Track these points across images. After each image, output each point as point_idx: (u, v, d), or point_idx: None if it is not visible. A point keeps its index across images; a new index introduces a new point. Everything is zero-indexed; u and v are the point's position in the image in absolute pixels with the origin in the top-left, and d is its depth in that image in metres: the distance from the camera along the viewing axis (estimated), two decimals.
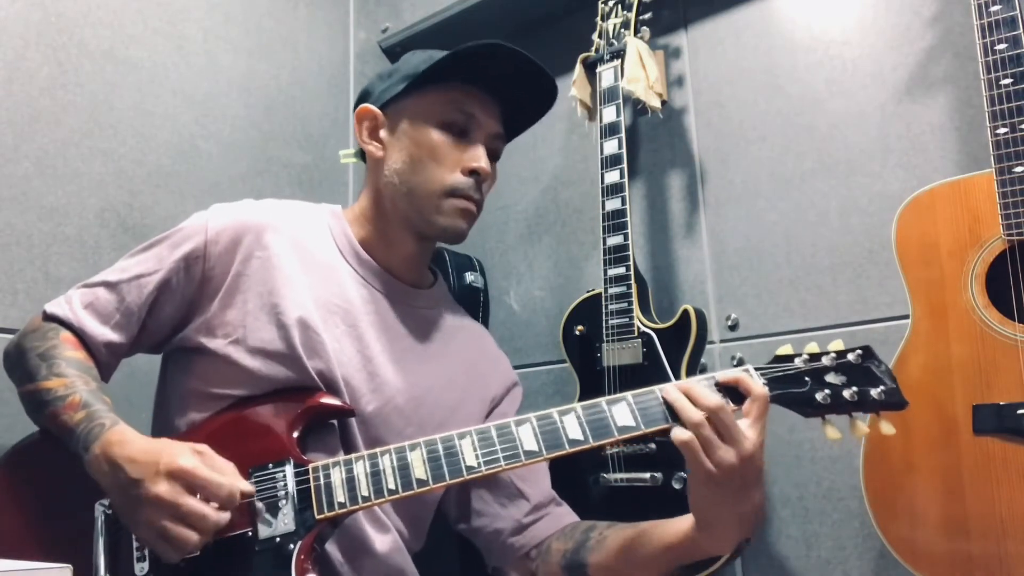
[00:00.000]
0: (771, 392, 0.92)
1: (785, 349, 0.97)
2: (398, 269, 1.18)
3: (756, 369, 0.95)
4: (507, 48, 1.10)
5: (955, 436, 1.12)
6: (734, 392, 0.92)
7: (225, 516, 0.87)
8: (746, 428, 0.88)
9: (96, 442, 0.90)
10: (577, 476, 1.42)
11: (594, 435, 0.92)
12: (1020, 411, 1.07)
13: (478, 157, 1.12)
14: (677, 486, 1.32)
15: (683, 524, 0.97)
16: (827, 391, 0.92)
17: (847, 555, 1.36)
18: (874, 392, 0.91)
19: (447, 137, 1.12)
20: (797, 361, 0.95)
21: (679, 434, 0.88)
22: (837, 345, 0.95)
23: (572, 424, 0.93)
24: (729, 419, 0.87)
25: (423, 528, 1.17)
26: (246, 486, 0.91)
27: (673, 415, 0.91)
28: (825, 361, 0.94)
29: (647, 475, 1.35)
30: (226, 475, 0.89)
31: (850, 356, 0.93)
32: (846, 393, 0.92)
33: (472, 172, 1.12)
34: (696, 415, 0.88)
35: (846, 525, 1.37)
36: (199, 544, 0.86)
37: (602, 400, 0.94)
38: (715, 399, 0.88)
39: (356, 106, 1.19)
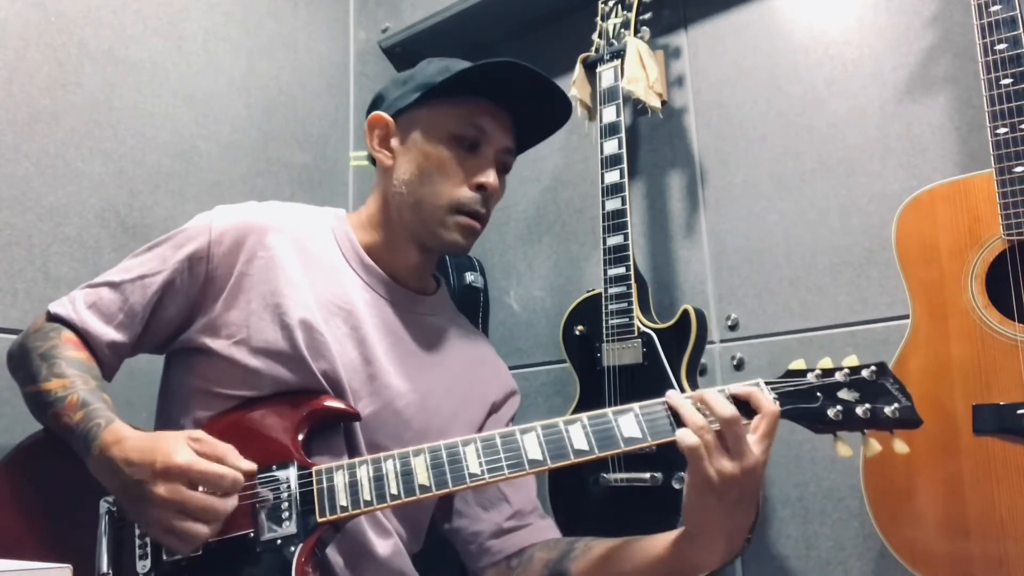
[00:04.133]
0: (782, 407, 0.91)
1: (798, 364, 0.96)
2: (402, 275, 1.18)
3: (767, 383, 0.94)
4: (524, 67, 1.09)
5: (955, 436, 1.12)
6: (745, 406, 0.91)
7: (232, 502, 0.87)
8: (752, 443, 0.87)
9: (95, 442, 0.90)
10: (577, 476, 1.42)
11: (600, 446, 0.91)
12: (1020, 411, 1.07)
13: (487, 173, 1.12)
14: (677, 486, 1.32)
15: (670, 535, 0.96)
16: (839, 407, 0.91)
17: (847, 555, 1.36)
18: (888, 410, 0.90)
19: (457, 151, 1.11)
20: (809, 376, 0.94)
21: (685, 438, 0.87)
22: (851, 361, 0.94)
23: (578, 434, 0.92)
24: (741, 431, 0.87)
25: (422, 531, 1.17)
26: (248, 464, 0.90)
27: (679, 421, 0.91)
28: (838, 377, 0.93)
29: (647, 475, 1.35)
30: (226, 460, 0.89)
31: (864, 372, 0.92)
32: (859, 410, 0.90)
33: (480, 187, 1.12)
34: (700, 419, 0.88)
35: (846, 525, 1.37)
36: (210, 535, 0.86)
37: (609, 411, 0.94)
38: (731, 409, 0.87)
39: (369, 111, 1.19)
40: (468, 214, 1.12)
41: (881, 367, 0.93)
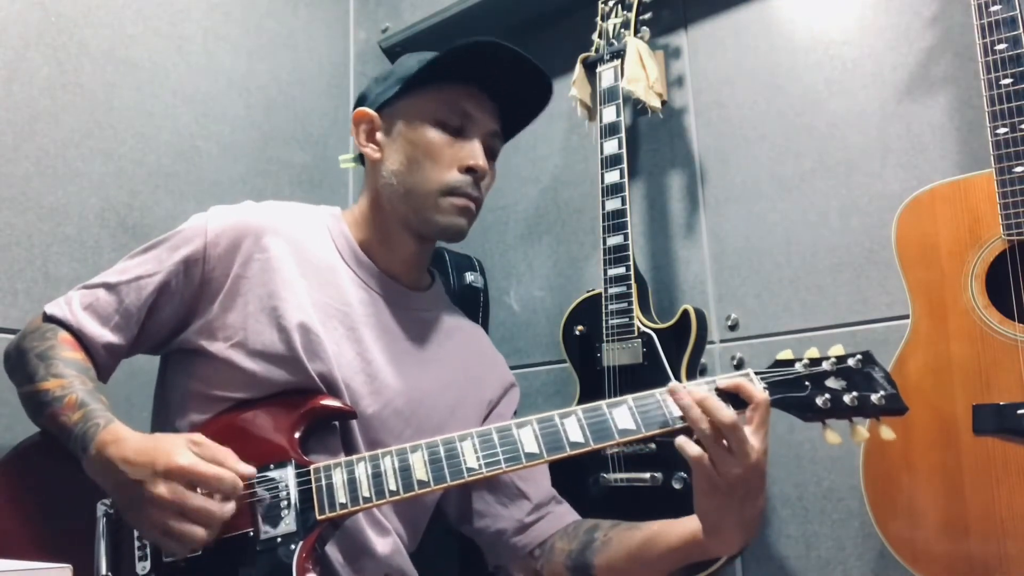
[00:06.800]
0: (771, 396, 0.92)
1: (785, 354, 0.97)
2: (397, 271, 1.18)
3: (756, 373, 0.95)
4: (499, 45, 1.09)
5: (955, 436, 1.12)
6: (735, 398, 0.92)
7: (230, 507, 0.87)
8: (750, 436, 0.88)
9: (92, 442, 0.90)
10: (577, 476, 1.42)
11: (595, 438, 0.93)
12: (1020, 411, 1.07)
13: (475, 154, 1.12)
14: (677, 486, 1.32)
15: (689, 527, 0.98)
16: (827, 396, 0.92)
17: (847, 555, 1.36)
18: (874, 397, 0.91)
19: (443, 136, 1.12)
20: (797, 366, 0.95)
21: (689, 448, 0.88)
22: (837, 350, 0.95)
23: (573, 427, 0.93)
24: (741, 434, 0.87)
25: (420, 529, 1.17)
26: (247, 468, 0.91)
27: (676, 418, 0.91)
28: (825, 366, 0.94)
29: (647, 475, 1.35)
30: (226, 464, 0.89)
31: (850, 361, 0.94)
32: (846, 398, 0.92)
33: (469, 170, 1.11)
34: (707, 426, 0.88)
35: (846, 525, 1.37)
36: (208, 539, 0.86)
37: (603, 403, 0.95)
38: (730, 416, 0.87)
39: (354, 111, 1.19)
40: (461, 195, 1.11)
41: (866, 355, 0.94)
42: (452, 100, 1.12)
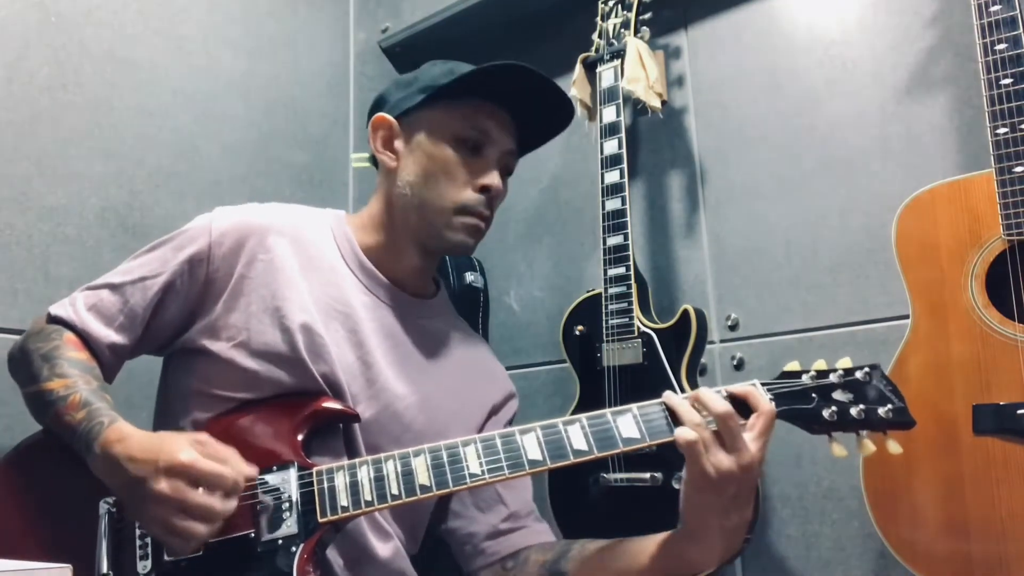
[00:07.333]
0: (777, 408, 0.92)
1: (792, 365, 0.97)
2: (402, 279, 1.18)
3: (763, 384, 0.95)
4: (528, 70, 1.10)
5: (955, 436, 1.12)
6: (742, 406, 0.91)
7: (232, 504, 0.88)
8: (749, 440, 0.88)
9: (97, 440, 0.90)
10: (577, 475, 1.42)
11: (599, 446, 0.92)
12: (1020, 411, 1.07)
13: (491, 175, 1.13)
14: (677, 486, 1.31)
15: (668, 535, 0.96)
16: (834, 408, 0.92)
17: (847, 555, 1.36)
18: (881, 410, 0.91)
19: (461, 153, 1.12)
20: (804, 377, 0.95)
21: (683, 434, 0.88)
22: (845, 362, 0.95)
23: (577, 435, 0.93)
24: (736, 426, 0.87)
25: (420, 533, 1.17)
26: (249, 469, 0.91)
27: (676, 422, 0.91)
28: (832, 378, 0.94)
29: (647, 475, 1.35)
30: (228, 463, 0.89)
31: (858, 374, 0.93)
32: (853, 411, 0.91)
33: (484, 189, 1.12)
34: (697, 416, 0.88)
35: (846, 525, 1.37)
36: (209, 535, 0.86)
37: (607, 411, 0.94)
38: (724, 405, 0.88)
39: (371, 112, 1.19)
40: (473, 215, 1.12)
41: (874, 368, 0.94)
42: (473, 116, 1.12)
